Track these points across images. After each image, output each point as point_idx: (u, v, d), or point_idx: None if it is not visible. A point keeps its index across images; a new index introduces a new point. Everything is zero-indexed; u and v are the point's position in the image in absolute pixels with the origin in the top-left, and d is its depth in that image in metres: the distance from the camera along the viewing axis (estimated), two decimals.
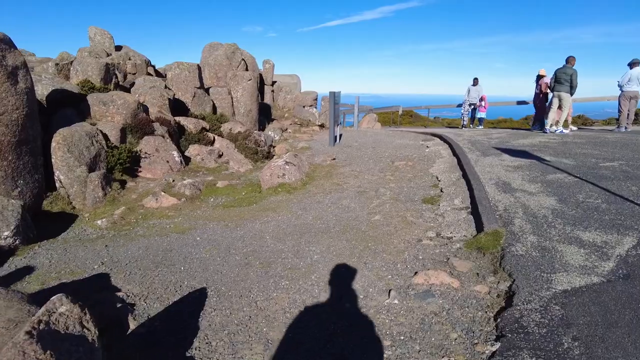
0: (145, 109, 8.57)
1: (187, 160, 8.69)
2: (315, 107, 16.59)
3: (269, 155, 9.55)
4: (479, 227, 4.32)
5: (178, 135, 9.01)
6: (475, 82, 14.18)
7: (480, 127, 14.32)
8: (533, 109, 12.59)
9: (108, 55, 11.76)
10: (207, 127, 10.00)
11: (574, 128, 11.81)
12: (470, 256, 3.72)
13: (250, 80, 11.49)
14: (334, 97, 10.56)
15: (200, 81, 10.45)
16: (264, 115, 14.13)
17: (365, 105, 22.19)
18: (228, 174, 8.42)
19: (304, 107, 16.69)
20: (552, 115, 10.81)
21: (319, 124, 15.19)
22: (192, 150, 8.97)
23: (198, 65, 10.40)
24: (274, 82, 18.40)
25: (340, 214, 5.25)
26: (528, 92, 13.08)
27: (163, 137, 8.29)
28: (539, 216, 4.40)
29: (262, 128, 12.36)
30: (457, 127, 14.78)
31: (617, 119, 11.31)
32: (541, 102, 11.98)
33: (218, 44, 15.01)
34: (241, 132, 9.42)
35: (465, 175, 6.35)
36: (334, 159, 8.86)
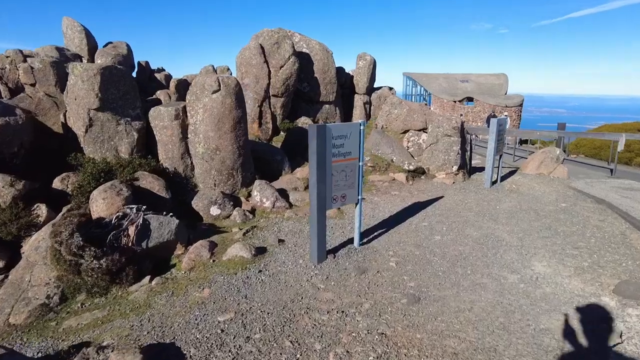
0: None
1: None
2: (425, 132, 9.14)
3: (124, 278, 3.83)
4: None
5: None
6: None
7: None
8: None
9: (77, 56, 8.52)
10: (71, 192, 5.07)
11: None
12: None
13: (216, 91, 5.86)
14: (320, 133, 3.70)
15: (99, 97, 5.57)
16: (293, 149, 7.97)
17: (526, 130, 12.12)
18: None
19: (406, 132, 9.53)
20: None
21: (410, 168, 7.83)
22: None
23: (101, 69, 5.57)
24: (373, 89, 11.69)
25: None
26: None
27: None
28: None
29: (250, 182, 6.41)
30: None
31: None
32: None
33: (267, 31, 9.86)
34: (67, 215, 4.05)
35: None
36: None
